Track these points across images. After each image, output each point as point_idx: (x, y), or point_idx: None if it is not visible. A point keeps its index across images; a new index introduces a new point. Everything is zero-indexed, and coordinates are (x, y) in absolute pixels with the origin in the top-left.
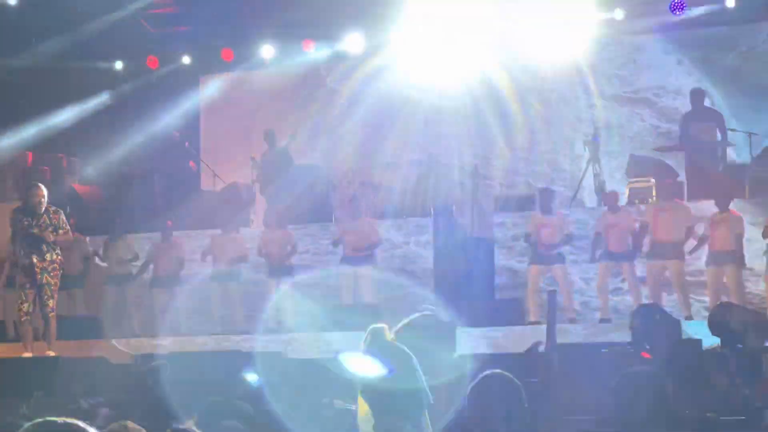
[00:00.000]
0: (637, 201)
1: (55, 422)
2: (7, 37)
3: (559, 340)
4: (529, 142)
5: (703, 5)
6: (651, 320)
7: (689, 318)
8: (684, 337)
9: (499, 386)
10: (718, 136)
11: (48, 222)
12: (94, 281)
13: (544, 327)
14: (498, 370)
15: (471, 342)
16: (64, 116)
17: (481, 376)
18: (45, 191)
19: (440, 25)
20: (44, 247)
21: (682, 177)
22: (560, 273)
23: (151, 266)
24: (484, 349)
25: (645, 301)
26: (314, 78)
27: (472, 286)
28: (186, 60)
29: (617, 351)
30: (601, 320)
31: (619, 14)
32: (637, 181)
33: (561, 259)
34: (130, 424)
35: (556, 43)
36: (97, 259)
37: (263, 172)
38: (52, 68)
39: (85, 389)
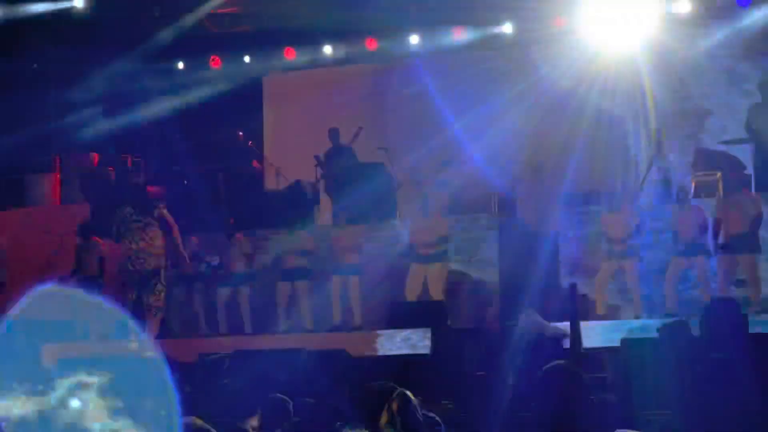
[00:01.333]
0: (703, 195)
1: None
2: (74, 40)
3: (625, 335)
4: (592, 137)
5: None
6: (723, 315)
7: (760, 313)
8: (753, 332)
9: (564, 379)
10: None
11: None
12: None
13: (611, 322)
14: (563, 362)
15: None
16: (129, 116)
17: (545, 368)
18: None
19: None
20: None
21: (750, 170)
22: (630, 267)
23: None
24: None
25: (716, 295)
26: (378, 76)
27: (537, 282)
28: (247, 59)
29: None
30: (666, 314)
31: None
32: (703, 175)
33: (631, 253)
34: (196, 420)
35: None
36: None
37: (327, 170)
38: (116, 70)
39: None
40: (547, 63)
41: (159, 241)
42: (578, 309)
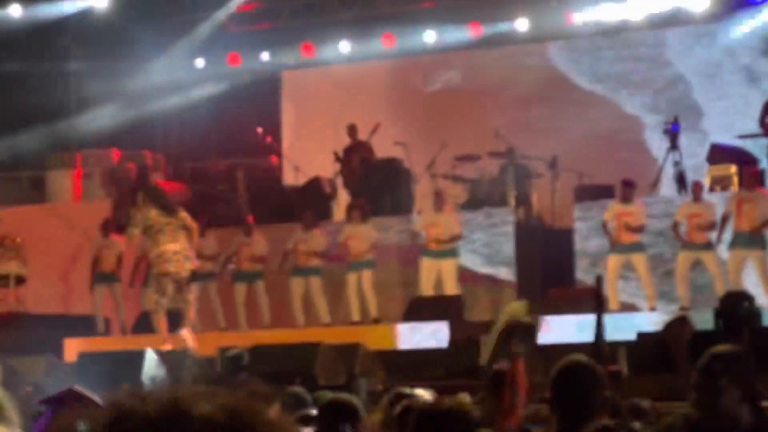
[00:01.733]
0: (717, 188)
1: None
2: (96, 39)
3: (642, 329)
4: (607, 131)
5: None
6: (737, 308)
7: None
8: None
9: (580, 373)
10: None
11: None
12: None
13: (617, 315)
14: (579, 357)
15: (553, 330)
16: (148, 113)
17: (562, 362)
18: None
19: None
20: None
21: (764, 164)
22: (640, 262)
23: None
24: (564, 337)
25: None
26: (396, 71)
27: (553, 275)
28: (266, 56)
29: (702, 337)
30: (681, 309)
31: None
32: (718, 169)
33: (641, 248)
34: None
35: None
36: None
37: (345, 165)
38: (136, 67)
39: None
40: (563, 59)
41: (188, 243)
42: (603, 302)
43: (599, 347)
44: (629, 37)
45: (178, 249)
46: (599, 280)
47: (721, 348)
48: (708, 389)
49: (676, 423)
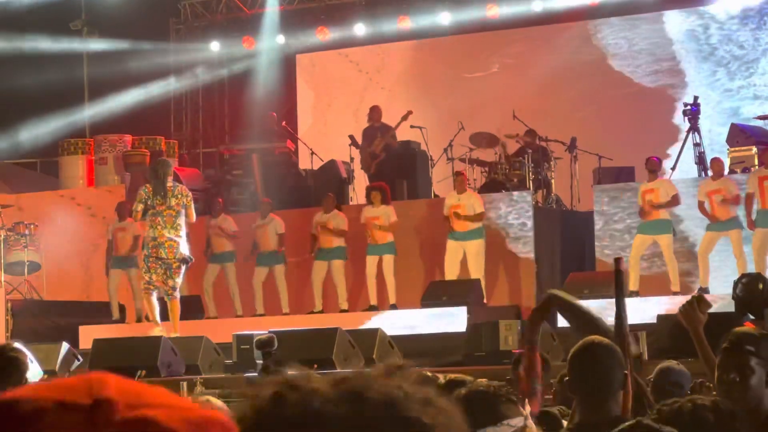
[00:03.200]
0: (738, 170)
1: None
2: (109, 21)
3: (661, 311)
4: (626, 112)
5: None
6: (755, 290)
7: None
8: None
9: (597, 352)
10: None
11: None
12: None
13: (637, 299)
14: (596, 337)
15: None
16: (162, 98)
17: (580, 343)
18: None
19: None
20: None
21: None
22: (666, 243)
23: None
24: None
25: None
26: (412, 54)
27: (573, 258)
28: (281, 40)
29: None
30: (700, 289)
31: None
32: (738, 150)
33: (667, 228)
34: (213, 399)
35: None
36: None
37: (365, 148)
38: (150, 50)
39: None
40: (584, 39)
41: (185, 232)
42: (623, 284)
43: (621, 329)
44: (651, 16)
45: (173, 236)
46: (618, 261)
47: (747, 329)
48: (739, 368)
49: (703, 405)
